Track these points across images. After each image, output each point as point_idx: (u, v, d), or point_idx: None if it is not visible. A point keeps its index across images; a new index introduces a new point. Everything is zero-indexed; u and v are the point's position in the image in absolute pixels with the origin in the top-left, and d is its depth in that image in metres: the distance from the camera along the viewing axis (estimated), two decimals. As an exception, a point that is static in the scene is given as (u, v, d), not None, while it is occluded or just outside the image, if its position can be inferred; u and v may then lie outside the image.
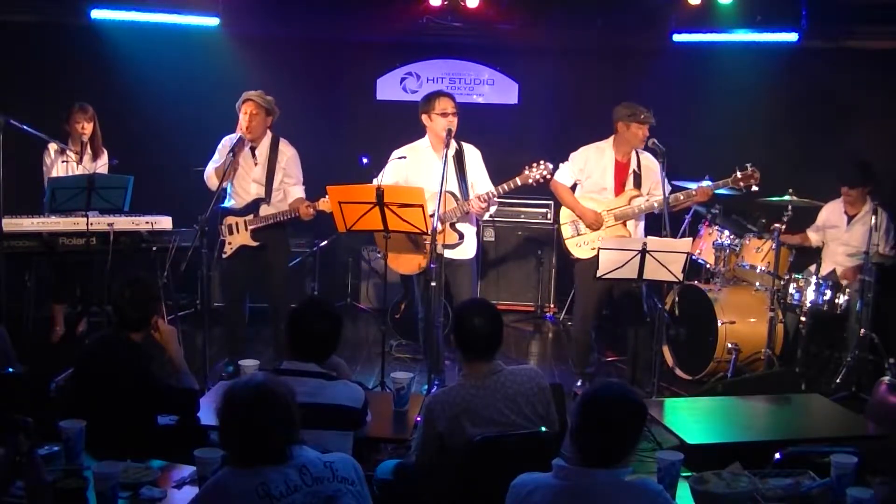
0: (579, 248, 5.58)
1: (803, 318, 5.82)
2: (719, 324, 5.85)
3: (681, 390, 5.80)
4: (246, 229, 5.63)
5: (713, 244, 6.20)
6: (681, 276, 4.91)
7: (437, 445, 3.21)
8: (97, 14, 7.29)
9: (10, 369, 3.83)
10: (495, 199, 5.25)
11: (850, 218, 6.15)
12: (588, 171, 5.59)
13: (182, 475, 2.94)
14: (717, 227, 6.21)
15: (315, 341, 3.30)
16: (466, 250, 5.39)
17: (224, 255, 5.66)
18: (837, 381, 5.66)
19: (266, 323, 5.98)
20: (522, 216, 7.78)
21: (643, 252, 4.80)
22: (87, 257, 5.74)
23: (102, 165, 6.28)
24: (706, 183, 5.44)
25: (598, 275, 4.97)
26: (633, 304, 5.52)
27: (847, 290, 5.76)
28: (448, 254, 5.27)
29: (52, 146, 6.09)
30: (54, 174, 6.03)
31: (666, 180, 5.34)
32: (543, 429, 3.23)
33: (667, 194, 5.24)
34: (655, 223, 5.45)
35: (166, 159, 7.15)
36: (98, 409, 3.19)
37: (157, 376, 3.47)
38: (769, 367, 5.58)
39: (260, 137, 5.62)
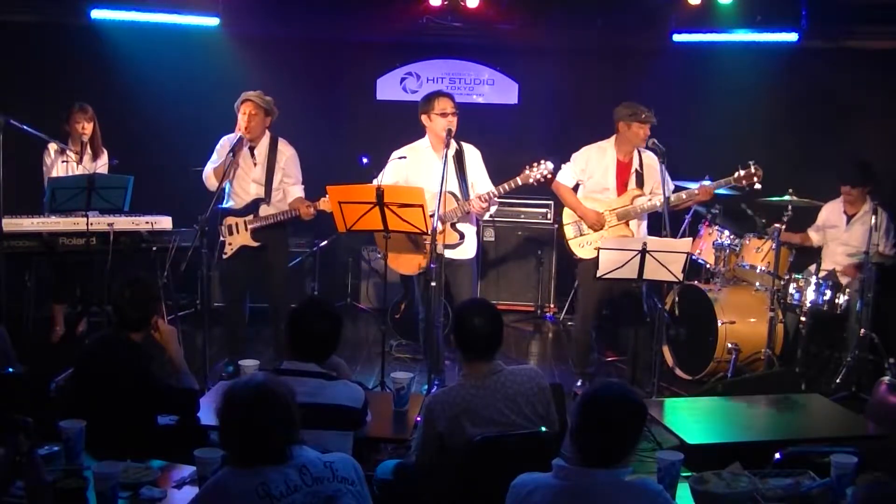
0: (582, 248, 5.58)
1: (803, 318, 5.83)
2: (719, 324, 5.85)
3: (681, 390, 5.80)
4: (246, 229, 5.63)
5: (713, 244, 6.20)
6: (681, 276, 4.91)
7: (437, 445, 3.21)
8: (97, 14, 7.29)
9: (10, 369, 3.83)
10: (496, 198, 5.25)
11: (850, 218, 6.15)
12: (590, 171, 5.59)
13: (182, 475, 2.94)
14: (717, 227, 6.21)
15: (315, 341, 3.30)
16: (467, 250, 5.39)
17: (224, 256, 5.66)
18: (837, 381, 5.66)
19: (266, 323, 5.98)
20: (522, 216, 7.78)
21: (643, 252, 4.81)
22: (87, 257, 5.74)
23: (102, 165, 6.28)
24: (708, 182, 5.44)
25: (597, 275, 4.97)
26: (633, 304, 5.52)
27: (847, 289, 5.77)
28: (448, 254, 5.27)
29: (52, 146, 6.08)
30: (54, 174, 6.03)
31: (668, 178, 5.35)
32: (543, 429, 3.23)
33: (667, 193, 5.24)
34: (657, 223, 5.45)
35: (166, 159, 7.15)
36: (98, 409, 3.19)
37: (157, 376, 3.47)
38: (769, 367, 5.58)
39: (259, 138, 5.62)
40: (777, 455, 3.44)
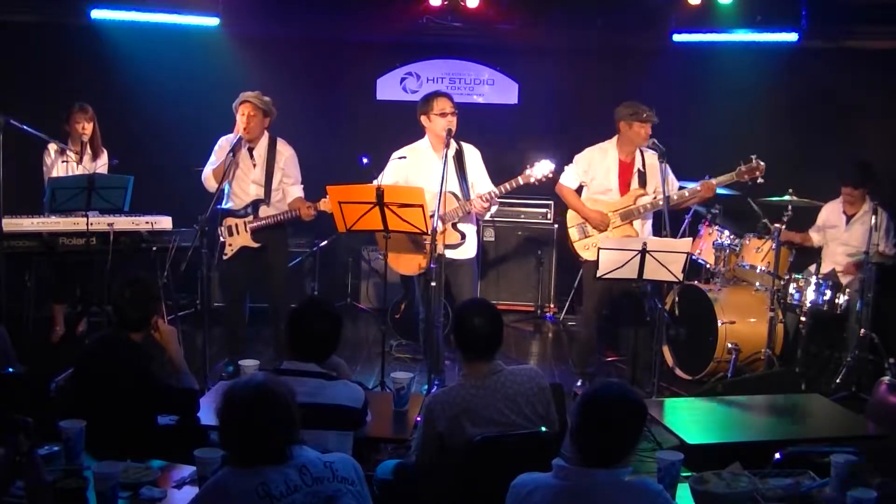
0: (587, 250, 5.57)
1: (803, 318, 5.82)
2: (719, 324, 5.85)
3: (681, 390, 5.80)
4: (246, 230, 5.63)
5: (713, 244, 6.20)
6: (681, 276, 4.91)
7: (437, 445, 3.21)
8: (97, 14, 7.29)
9: (10, 369, 3.83)
10: (496, 198, 5.26)
11: (850, 218, 6.14)
12: (592, 172, 5.59)
13: (182, 475, 2.94)
14: (717, 227, 6.21)
15: (315, 341, 3.30)
16: (467, 250, 5.39)
17: (225, 257, 5.66)
18: (837, 381, 5.66)
19: (266, 323, 5.98)
20: (522, 216, 7.78)
21: (643, 252, 4.81)
22: (87, 257, 5.74)
23: (102, 165, 6.28)
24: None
25: (597, 275, 4.97)
26: (633, 304, 5.52)
27: (847, 289, 5.77)
28: (449, 254, 5.27)
29: (52, 146, 6.08)
30: (54, 174, 6.03)
31: (673, 177, 5.34)
32: (543, 429, 3.23)
33: (668, 192, 5.24)
34: (658, 222, 5.44)
35: (166, 159, 7.15)
36: (98, 409, 3.19)
37: (157, 376, 3.47)
38: (769, 367, 5.58)
39: (258, 138, 5.62)
40: (777, 455, 3.44)
